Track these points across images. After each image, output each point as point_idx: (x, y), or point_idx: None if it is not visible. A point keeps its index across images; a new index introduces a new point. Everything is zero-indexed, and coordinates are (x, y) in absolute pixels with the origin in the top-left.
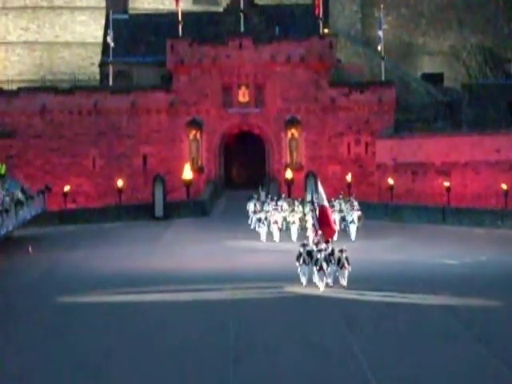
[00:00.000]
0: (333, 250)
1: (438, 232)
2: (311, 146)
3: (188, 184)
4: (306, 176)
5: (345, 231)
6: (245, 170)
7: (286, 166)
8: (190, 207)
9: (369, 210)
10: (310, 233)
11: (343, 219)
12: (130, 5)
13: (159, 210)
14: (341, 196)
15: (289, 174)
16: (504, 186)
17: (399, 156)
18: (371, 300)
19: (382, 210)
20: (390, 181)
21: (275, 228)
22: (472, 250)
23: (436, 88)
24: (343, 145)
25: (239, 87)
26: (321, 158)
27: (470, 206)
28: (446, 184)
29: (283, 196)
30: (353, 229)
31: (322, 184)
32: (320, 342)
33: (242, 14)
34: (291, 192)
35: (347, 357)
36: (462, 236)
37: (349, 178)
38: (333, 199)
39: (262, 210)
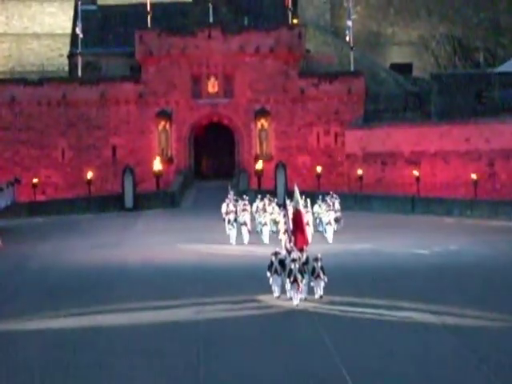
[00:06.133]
0: (307, 259)
1: (407, 222)
2: (281, 136)
3: (158, 175)
4: (276, 167)
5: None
6: (215, 160)
7: (256, 157)
8: (160, 198)
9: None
10: (282, 236)
11: (320, 221)
12: None
13: (129, 202)
14: (328, 196)
15: (259, 165)
16: (473, 176)
17: (368, 146)
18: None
19: (351, 200)
20: (360, 171)
21: (244, 230)
22: (442, 240)
23: (405, 78)
24: (313, 135)
25: (208, 78)
26: (290, 149)
27: (440, 195)
28: (416, 174)
29: (266, 197)
30: (329, 231)
31: (292, 175)
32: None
33: (210, 5)
34: (261, 183)
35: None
36: (432, 225)
37: (318, 169)
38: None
39: (232, 210)
